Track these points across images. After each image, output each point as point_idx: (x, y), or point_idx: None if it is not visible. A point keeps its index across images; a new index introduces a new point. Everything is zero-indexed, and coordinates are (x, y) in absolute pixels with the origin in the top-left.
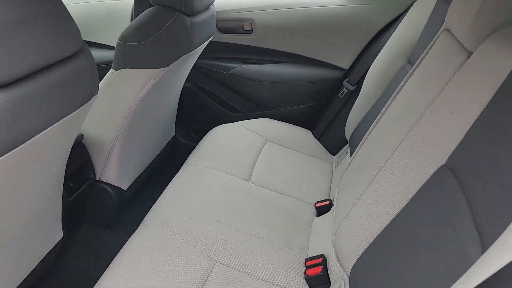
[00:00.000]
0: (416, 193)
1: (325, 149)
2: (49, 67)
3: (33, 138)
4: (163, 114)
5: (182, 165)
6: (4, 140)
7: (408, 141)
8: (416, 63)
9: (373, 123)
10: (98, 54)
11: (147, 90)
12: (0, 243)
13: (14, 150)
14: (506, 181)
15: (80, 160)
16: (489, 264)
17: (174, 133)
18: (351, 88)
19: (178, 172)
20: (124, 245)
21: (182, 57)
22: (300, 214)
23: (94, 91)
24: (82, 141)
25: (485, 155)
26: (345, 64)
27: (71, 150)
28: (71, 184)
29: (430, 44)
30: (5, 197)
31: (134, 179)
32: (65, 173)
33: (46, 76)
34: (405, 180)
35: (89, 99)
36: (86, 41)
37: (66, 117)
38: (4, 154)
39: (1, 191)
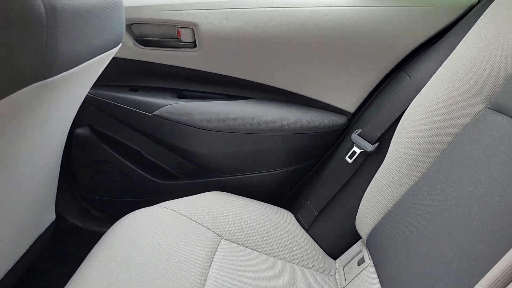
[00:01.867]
0: None
1: (319, 247)
2: None
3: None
4: (13, 196)
5: (71, 273)
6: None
7: None
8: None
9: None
10: None
11: None
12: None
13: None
14: None
15: None
16: None
17: (54, 217)
18: (369, 147)
19: None
20: None
21: (29, 88)
22: None
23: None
24: None
25: None
26: (350, 104)
27: None
28: None
29: None
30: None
31: None
32: None
33: None
34: None
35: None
36: None
37: (94, 58)
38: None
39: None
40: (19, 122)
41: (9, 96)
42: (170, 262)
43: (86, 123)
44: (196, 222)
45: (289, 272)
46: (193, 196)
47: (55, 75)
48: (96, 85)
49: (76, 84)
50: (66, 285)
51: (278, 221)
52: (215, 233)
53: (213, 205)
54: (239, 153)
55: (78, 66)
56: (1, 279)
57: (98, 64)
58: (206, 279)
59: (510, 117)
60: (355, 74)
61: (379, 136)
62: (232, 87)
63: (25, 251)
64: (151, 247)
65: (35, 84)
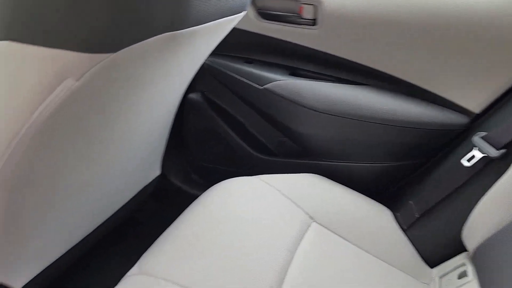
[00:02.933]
0: None
1: (417, 252)
2: None
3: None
4: (129, 142)
5: (165, 227)
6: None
7: None
8: None
9: None
10: None
11: (63, 99)
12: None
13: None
14: None
15: None
16: None
17: (159, 172)
18: (494, 153)
19: (121, 283)
20: None
21: (157, 38)
22: None
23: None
24: None
25: None
26: (476, 104)
27: None
28: None
29: None
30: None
31: (46, 265)
32: None
33: None
34: None
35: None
36: None
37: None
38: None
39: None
40: (144, 72)
41: (142, 42)
42: (259, 233)
43: (199, 89)
44: (290, 199)
45: (379, 269)
46: (290, 174)
47: (185, 28)
48: (213, 53)
49: (201, 42)
50: (157, 240)
51: (375, 215)
52: (307, 214)
53: (309, 187)
54: (344, 139)
55: (206, 24)
56: (104, 222)
57: (223, 27)
58: (293, 256)
59: None
60: (487, 71)
61: (507, 142)
62: (348, 71)
63: (128, 199)
64: (242, 214)
65: (166, 33)
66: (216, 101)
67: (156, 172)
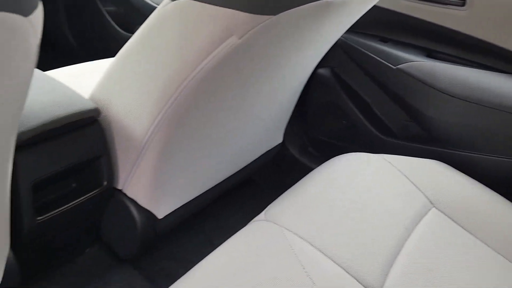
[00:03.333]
0: None
1: None
2: None
3: None
4: (262, 105)
5: (280, 192)
6: None
7: None
8: None
9: None
10: None
11: (224, 53)
12: None
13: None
14: None
15: (89, 150)
16: None
17: (281, 140)
18: None
19: (247, 226)
20: None
21: (311, 5)
22: None
23: None
24: (98, 119)
25: None
26: None
27: (74, 131)
28: (74, 185)
29: None
30: None
31: (183, 203)
32: (53, 169)
33: None
34: None
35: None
36: None
37: None
38: None
39: None
40: (295, 38)
41: (298, 7)
42: (378, 206)
43: (328, 65)
44: (411, 182)
45: (497, 265)
46: (414, 157)
47: None
48: (348, 30)
49: (348, 14)
50: (283, 193)
51: (501, 212)
52: (428, 199)
53: (433, 173)
54: (477, 128)
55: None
56: (231, 175)
57: (365, 3)
58: (410, 235)
59: None
60: None
61: None
62: (494, 58)
63: (252, 160)
64: (363, 186)
65: (321, 1)
66: (344, 77)
67: (279, 139)
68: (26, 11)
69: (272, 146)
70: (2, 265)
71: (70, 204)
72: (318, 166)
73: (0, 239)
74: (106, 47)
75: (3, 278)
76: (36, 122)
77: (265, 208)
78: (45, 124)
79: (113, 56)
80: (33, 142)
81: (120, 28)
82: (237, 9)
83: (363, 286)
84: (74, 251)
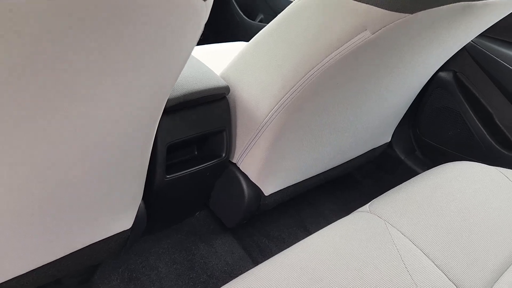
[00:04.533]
0: None
1: None
2: None
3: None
4: (378, 102)
5: (385, 189)
6: None
7: None
8: None
9: None
10: None
11: (355, 47)
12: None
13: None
14: None
15: (215, 123)
16: None
17: (389, 140)
18: None
19: (350, 216)
20: None
21: (449, 7)
22: None
23: None
24: (226, 96)
25: None
26: None
27: (205, 105)
28: (196, 153)
29: None
30: None
31: (287, 185)
32: (183, 135)
33: None
34: None
35: None
36: None
37: None
38: None
39: None
40: (429, 39)
41: (436, 8)
42: (486, 220)
43: (451, 68)
44: None
45: None
46: None
47: (480, 0)
48: (479, 34)
49: (486, 18)
50: (374, 200)
51: None
52: None
53: None
54: None
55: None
56: (332, 168)
57: (504, 8)
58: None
59: None
60: None
61: None
62: None
63: (358, 155)
64: (470, 198)
65: (461, 3)
66: (466, 83)
67: (387, 139)
68: None
69: (379, 144)
70: (135, 211)
71: (193, 168)
72: (423, 170)
73: (137, 189)
74: (232, 32)
75: (134, 222)
76: (179, 93)
77: (362, 203)
78: (186, 94)
79: (237, 40)
80: (173, 110)
81: (244, 14)
82: (374, 5)
83: None
84: (187, 213)
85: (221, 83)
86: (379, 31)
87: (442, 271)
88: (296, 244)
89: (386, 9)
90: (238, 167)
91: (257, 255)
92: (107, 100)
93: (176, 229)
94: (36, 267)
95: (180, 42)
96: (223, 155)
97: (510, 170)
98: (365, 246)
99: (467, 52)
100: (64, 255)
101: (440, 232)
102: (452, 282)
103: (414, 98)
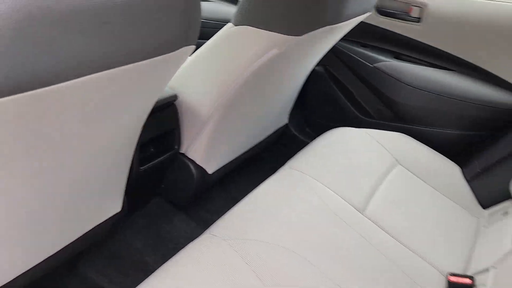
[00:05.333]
0: None
1: (475, 198)
2: None
3: (116, 68)
4: (279, 94)
5: (286, 160)
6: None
7: None
8: None
9: None
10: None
11: (266, 60)
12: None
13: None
14: None
15: (167, 124)
16: None
17: (287, 121)
18: None
19: (276, 174)
20: (180, 253)
21: (322, 29)
22: (422, 285)
23: (185, 42)
24: (175, 103)
25: None
26: None
27: (160, 111)
28: (152, 149)
29: None
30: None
31: (223, 164)
32: (148, 136)
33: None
34: None
35: (176, 49)
36: None
37: (146, 60)
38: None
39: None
40: (310, 51)
41: (315, 31)
42: (361, 163)
43: (322, 64)
44: (384, 147)
45: (442, 203)
46: (386, 131)
47: (339, 23)
48: (343, 37)
49: (341, 33)
50: (302, 150)
51: (446, 168)
52: (395, 159)
53: (398, 141)
54: (431, 110)
55: (350, 20)
56: (248, 149)
57: (356, 21)
58: (383, 180)
59: None
60: None
61: None
62: (438, 58)
63: (264, 137)
64: (349, 153)
65: (329, 26)
66: (334, 73)
67: (285, 120)
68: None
69: (280, 125)
70: (122, 197)
71: (157, 160)
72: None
73: (124, 179)
74: None
75: (122, 206)
76: None
77: (268, 172)
78: None
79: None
80: None
81: None
82: (279, 32)
83: (354, 207)
84: (147, 199)
85: (170, 93)
86: (284, 47)
87: (341, 197)
88: (230, 210)
89: (285, 34)
90: (186, 156)
91: (204, 225)
92: (112, 126)
93: (141, 215)
94: (60, 248)
95: (166, 81)
96: (176, 147)
97: (370, 130)
98: (292, 199)
99: (332, 52)
100: (77, 237)
101: (336, 172)
102: (347, 202)
103: (300, 88)
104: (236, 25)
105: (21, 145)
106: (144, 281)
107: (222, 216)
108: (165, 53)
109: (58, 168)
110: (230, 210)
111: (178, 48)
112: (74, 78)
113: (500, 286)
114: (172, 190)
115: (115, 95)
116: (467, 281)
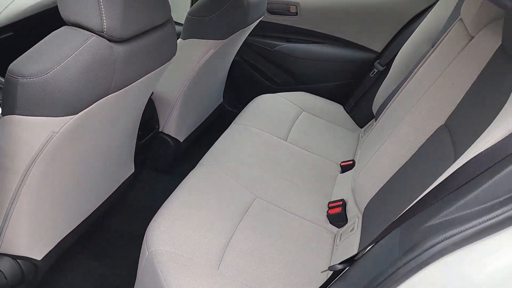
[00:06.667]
0: (419, 148)
1: (354, 122)
2: (145, 32)
3: (130, 85)
4: (216, 81)
5: (227, 126)
6: (119, 81)
7: (417, 107)
8: (434, 46)
9: (395, 96)
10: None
11: (207, 58)
12: (84, 170)
13: (120, 91)
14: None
15: (149, 112)
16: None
17: (222, 100)
18: (381, 68)
19: (228, 129)
20: (185, 180)
21: (238, 32)
22: (327, 170)
23: (173, 53)
24: (151, 97)
25: (473, 114)
26: (378, 47)
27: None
28: (140, 132)
29: (447, 30)
30: (105, 128)
31: (190, 133)
32: (144, 118)
33: (144, 37)
34: (411, 138)
35: (169, 60)
36: None
37: (152, 72)
38: (115, 92)
39: (105, 122)
40: (231, 49)
41: (233, 35)
42: (280, 116)
43: (239, 54)
44: (290, 101)
45: (333, 129)
46: (290, 92)
47: (247, 26)
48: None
49: (248, 32)
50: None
51: (333, 107)
52: (300, 108)
53: (300, 96)
54: (317, 72)
55: (250, 25)
56: (198, 126)
57: (255, 24)
58: (292, 126)
59: None
60: (382, 32)
61: (387, 62)
62: (314, 37)
63: (208, 115)
64: (261, 109)
65: (240, 30)
66: (249, 60)
67: (221, 99)
68: None
69: (218, 104)
70: (133, 161)
71: (147, 137)
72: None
73: (133, 148)
74: None
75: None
76: None
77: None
78: None
79: None
80: None
81: None
82: (213, 39)
83: (279, 137)
84: (142, 167)
85: None
86: (218, 48)
87: (270, 134)
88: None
89: (216, 39)
90: (164, 132)
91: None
92: (133, 112)
93: (138, 181)
94: (97, 206)
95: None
96: (156, 127)
97: (280, 93)
98: (241, 134)
99: (245, 45)
100: (108, 196)
101: (264, 121)
102: (275, 136)
103: (227, 73)
104: (184, 39)
105: (89, 136)
106: (159, 210)
107: (203, 157)
108: (168, 62)
109: (100, 145)
110: (209, 150)
111: (171, 58)
112: (125, 87)
113: (361, 153)
114: (156, 160)
115: (142, 92)
116: (350, 162)
